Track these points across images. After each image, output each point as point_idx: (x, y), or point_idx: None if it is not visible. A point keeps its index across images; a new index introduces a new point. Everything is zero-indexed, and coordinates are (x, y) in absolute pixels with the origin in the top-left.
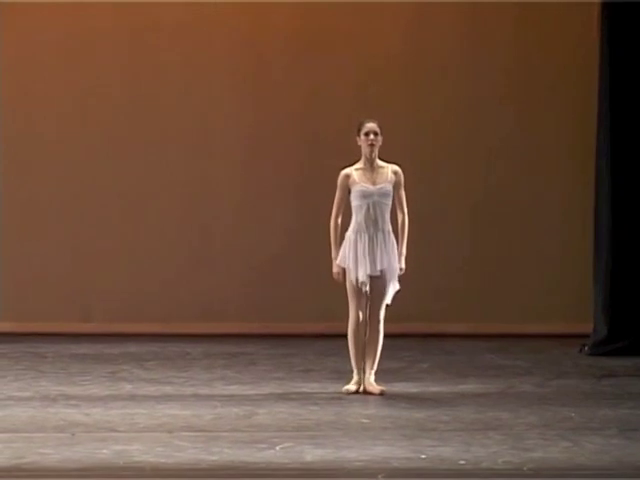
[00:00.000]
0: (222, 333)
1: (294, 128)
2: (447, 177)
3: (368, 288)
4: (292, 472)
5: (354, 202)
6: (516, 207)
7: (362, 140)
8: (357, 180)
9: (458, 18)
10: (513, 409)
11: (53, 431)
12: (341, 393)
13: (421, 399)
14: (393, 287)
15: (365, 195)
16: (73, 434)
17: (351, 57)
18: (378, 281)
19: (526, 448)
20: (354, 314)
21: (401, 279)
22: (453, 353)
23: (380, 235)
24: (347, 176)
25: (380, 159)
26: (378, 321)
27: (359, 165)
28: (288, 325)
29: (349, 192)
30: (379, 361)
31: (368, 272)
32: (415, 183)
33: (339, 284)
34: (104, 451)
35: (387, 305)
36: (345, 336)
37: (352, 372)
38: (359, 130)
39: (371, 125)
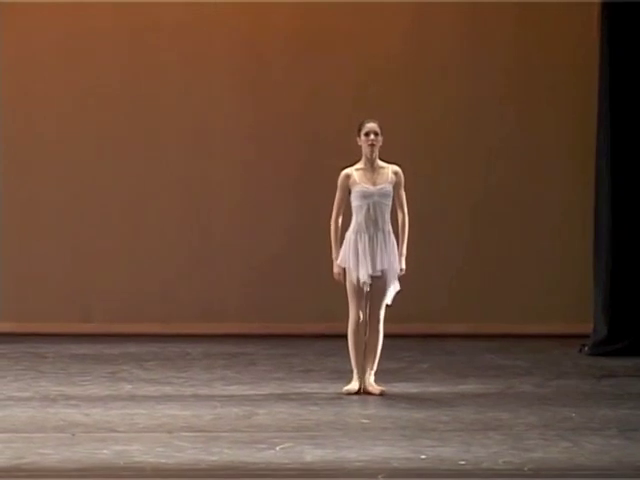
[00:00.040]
0: (222, 333)
1: (294, 128)
2: (447, 177)
3: (368, 287)
4: (292, 472)
5: (354, 202)
6: (516, 207)
7: (362, 140)
8: (357, 180)
9: (458, 18)
10: (513, 409)
11: (53, 431)
12: (341, 393)
13: (421, 399)
14: (394, 287)
15: (365, 195)
16: (73, 434)
17: (351, 57)
18: (378, 281)
19: (526, 448)
20: (354, 314)
21: (401, 279)
22: (453, 353)
23: (380, 235)
24: (347, 176)
25: (380, 159)
26: (378, 321)
27: (359, 165)
28: (288, 325)
29: (349, 192)
30: (379, 361)
31: (370, 272)
32: (415, 183)
33: (339, 284)
34: (104, 451)
35: (387, 305)
36: (345, 336)
37: (352, 372)
38: (359, 130)
39: (371, 125)
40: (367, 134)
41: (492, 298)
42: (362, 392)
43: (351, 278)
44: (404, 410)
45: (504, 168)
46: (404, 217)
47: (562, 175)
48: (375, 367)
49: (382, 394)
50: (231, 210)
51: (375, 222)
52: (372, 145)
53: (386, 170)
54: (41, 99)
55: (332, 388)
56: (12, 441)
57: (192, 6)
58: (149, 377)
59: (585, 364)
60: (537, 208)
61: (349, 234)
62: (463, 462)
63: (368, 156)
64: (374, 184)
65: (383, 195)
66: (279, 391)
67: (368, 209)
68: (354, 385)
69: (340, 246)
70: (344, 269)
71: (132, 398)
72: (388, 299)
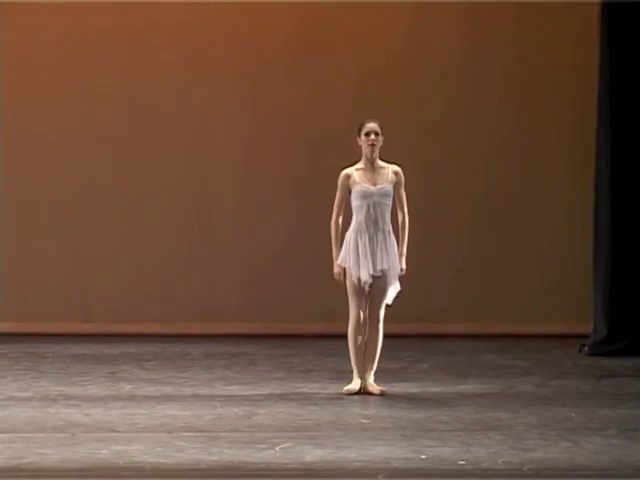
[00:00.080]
0: (222, 333)
1: (294, 128)
2: (447, 177)
3: (368, 287)
4: (292, 472)
5: (354, 202)
6: (516, 207)
7: (363, 140)
8: (358, 180)
9: (458, 18)
10: (513, 409)
11: (53, 431)
12: (341, 393)
13: (421, 399)
14: (394, 288)
15: (365, 195)
16: (73, 434)
17: (351, 57)
18: (378, 281)
19: (526, 448)
20: (354, 314)
21: (401, 279)
22: (453, 353)
23: (380, 235)
24: (348, 176)
25: (381, 159)
26: (378, 321)
27: (360, 165)
28: (288, 325)
29: (350, 192)
30: (379, 361)
31: (371, 272)
32: (415, 183)
33: (339, 284)
34: (104, 451)
35: (388, 305)
36: (345, 336)
37: (352, 372)
38: (360, 130)
39: (372, 125)
40: (367, 134)
41: (492, 298)
42: (362, 392)
43: (351, 278)
44: (404, 410)
45: (504, 168)
46: (404, 217)
47: (562, 175)
48: (375, 367)
49: (382, 394)
50: (231, 210)
51: (375, 222)
52: (372, 145)
53: (386, 170)
54: (41, 99)
55: (332, 388)
56: (12, 441)
57: (192, 6)
58: (149, 377)
59: (585, 364)
60: (537, 208)
61: (349, 234)
62: (463, 462)
63: (368, 156)
64: (374, 184)
65: (383, 195)
66: (279, 391)
67: (368, 209)
68: (355, 385)
69: (340, 246)
70: (344, 269)
71: (132, 398)
72: (389, 299)
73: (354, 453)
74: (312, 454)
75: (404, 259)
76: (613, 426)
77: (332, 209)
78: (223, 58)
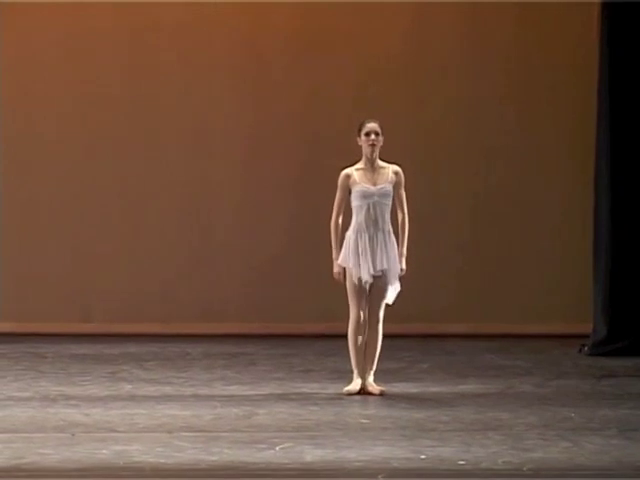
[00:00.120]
0: (222, 333)
1: (294, 128)
2: (447, 177)
3: (368, 286)
4: (292, 472)
5: (354, 202)
6: (516, 207)
7: (363, 140)
8: (358, 180)
9: (458, 18)
10: (513, 409)
11: (53, 431)
12: (341, 393)
13: (421, 399)
14: (394, 288)
15: (365, 195)
16: (73, 434)
17: (351, 57)
18: (378, 281)
19: (526, 448)
20: (354, 314)
21: (401, 279)
22: (453, 353)
23: (380, 235)
24: (348, 176)
25: (381, 159)
26: (377, 321)
27: (360, 165)
28: (288, 325)
29: (350, 192)
30: (379, 361)
31: (371, 272)
32: (415, 183)
33: (339, 284)
34: (104, 451)
35: (388, 305)
36: (345, 336)
37: (352, 372)
38: (360, 130)
39: (372, 125)
40: (367, 134)
41: (492, 298)
42: (362, 392)
43: (351, 278)
44: (404, 410)
45: (504, 168)
46: (404, 217)
47: (562, 175)
48: (374, 367)
49: (382, 394)
50: (231, 210)
51: (375, 222)
52: (373, 145)
53: (386, 170)
54: (41, 99)
55: (332, 388)
56: (12, 441)
57: (192, 6)
58: (149, 377)
59: (585, 364)
60: (537, 208)
61: (349, 234)
62: (463, 462)
63: (368, 156)
64: (374, 184)
65: (383, 195)
66: (279, 391)
67: (368, 209)
68: (355, 386)
69: (340, 246)
70: (344, 269)
71: (132, 398)
72: (389, 299)
73: (354, 453)
74: (312, 454)
75: (404, 259)
76: (613, 426)
77: (332, 209)
78: (223, 58)
